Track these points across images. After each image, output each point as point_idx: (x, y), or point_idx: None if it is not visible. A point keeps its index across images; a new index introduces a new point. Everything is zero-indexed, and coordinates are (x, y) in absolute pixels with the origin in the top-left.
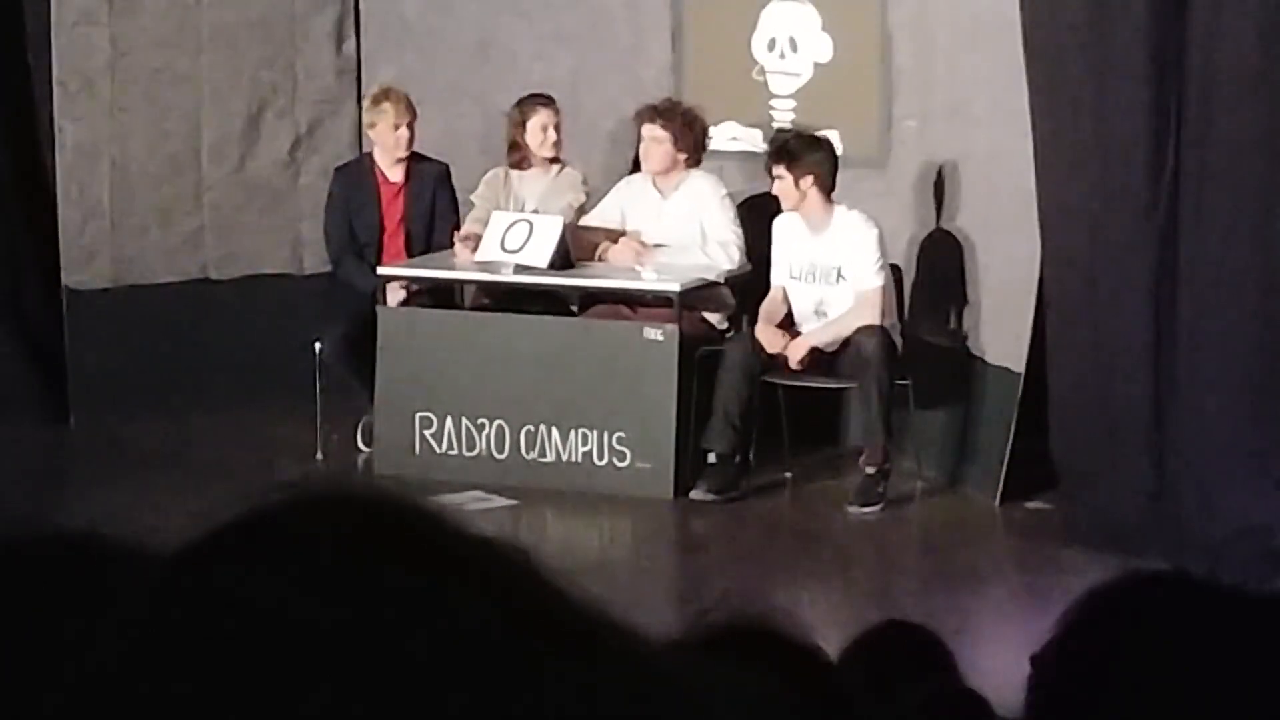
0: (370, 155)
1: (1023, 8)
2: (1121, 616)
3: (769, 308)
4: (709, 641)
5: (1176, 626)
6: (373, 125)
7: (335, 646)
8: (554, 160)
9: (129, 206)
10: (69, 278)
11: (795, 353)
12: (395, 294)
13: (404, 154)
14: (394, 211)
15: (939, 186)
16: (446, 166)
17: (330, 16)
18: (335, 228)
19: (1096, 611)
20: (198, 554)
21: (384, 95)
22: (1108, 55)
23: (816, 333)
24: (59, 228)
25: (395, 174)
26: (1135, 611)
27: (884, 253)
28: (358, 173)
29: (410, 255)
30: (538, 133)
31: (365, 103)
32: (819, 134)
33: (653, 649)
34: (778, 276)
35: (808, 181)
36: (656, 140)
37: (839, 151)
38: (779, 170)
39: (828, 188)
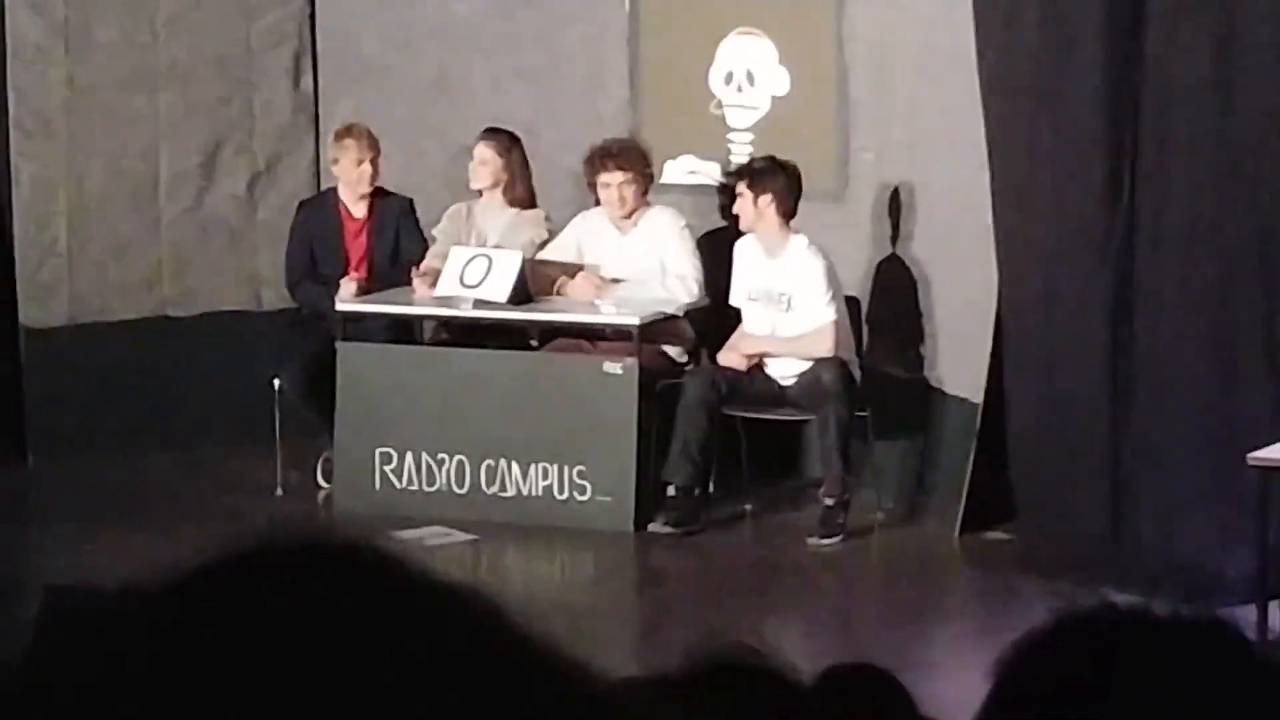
0: (334, 190)
1: (979, 40)
2: (1055, 657)
3: (736, 338)
4: (690, 675)
5: (1114, 660)
6: (336, 161)
7: (301, 693)
8: (513, 197)
9: (86, 244)
10: (26, 315)
11: (744, 346)
12: (349, 288)
13: (367, 189)
14: (358, 246)
15: (896, 218)
16: (410, 201)
17: (287, 53)
18: (296, 258)
19: (1032, 654)
20: (166, 603)
21: (347, 131)
22: (1063, 87)
23: (771, 342)
24: (15, 266)
25: (359, 209)
26: (1072, 650)
27: (836, 285)
28: (321, 207)
29: (374, 289)
30: (484, 167)
31: (329, 138)
32: (786, 161)
33: (616, 689)
34: (735, 298)
35: (766, 200)
36: (620, 185)
37: (801, 178)
38: (741, 188)
39: (787, 212)
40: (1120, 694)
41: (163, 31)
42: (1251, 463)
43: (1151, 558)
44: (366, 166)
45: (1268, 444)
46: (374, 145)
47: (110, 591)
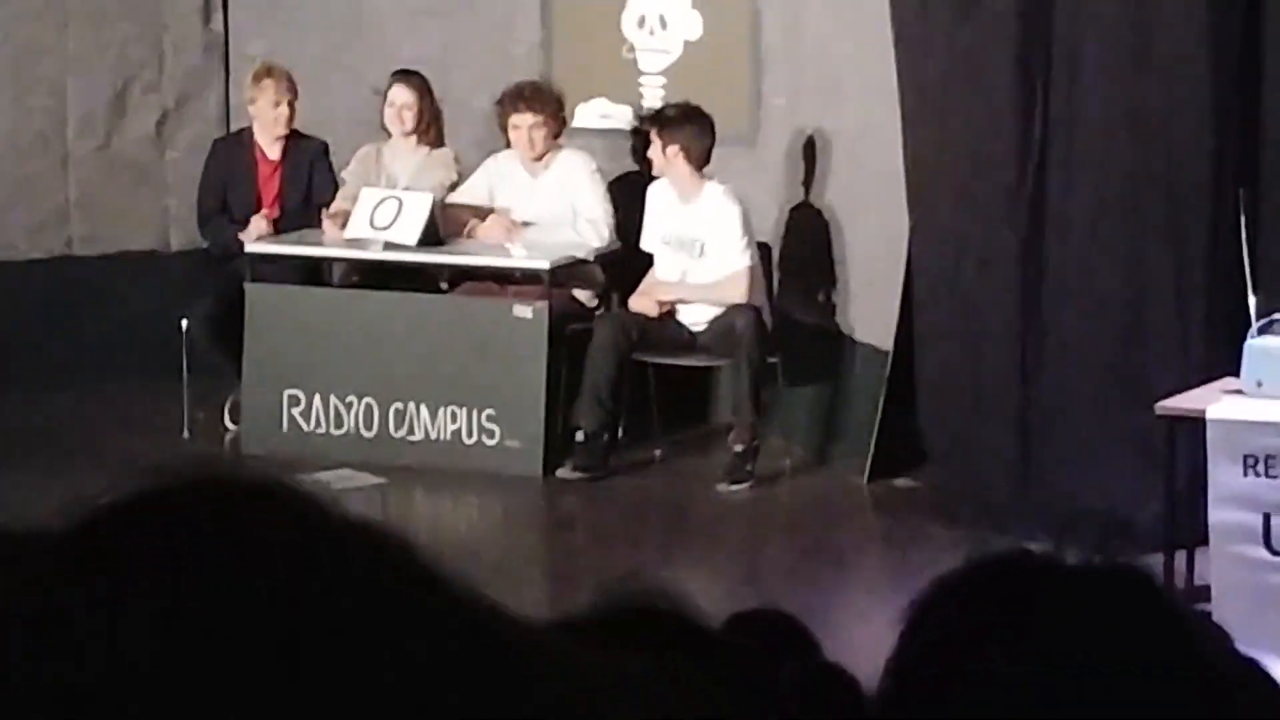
0: (249, 130)
1: None
2: (966, 603)
3: (647, 281)
4: (600, 618)
5: (1021, 608)
6: (253, 101)
7: (211, 632)
8: (422, 141)
9: None
10: None
11: (657, 293)
12: (258, 225)
13: (283, 131)
14: (270, 188)
15: (808, 164)
16: (325, 144)
17: None
18: (208, 197)
19: (942, 600)
20: (75, 541)
21: (265, 72)
22: (976, 31)
23: (682, 288)
24: None
25: (274, 151)
26: (979, 594)
27: (750, 232)
28: (236, 147)
29: (286, 232)
30: (388, 109)
31: (247, 78)
32: (698, 109)
33: (524, 628)
34: (647, 242)
35: (674, 150)
36: (531, 128)
37: (714, 124)
38: (653, 135)
39: (698, 161)
40: (1031, 639)
41: None
42: (1159, 412)
43: (1059, 505)
44: (284, 109)
45: (1175, 393)
46: (292, 88)
47: (12, 531)
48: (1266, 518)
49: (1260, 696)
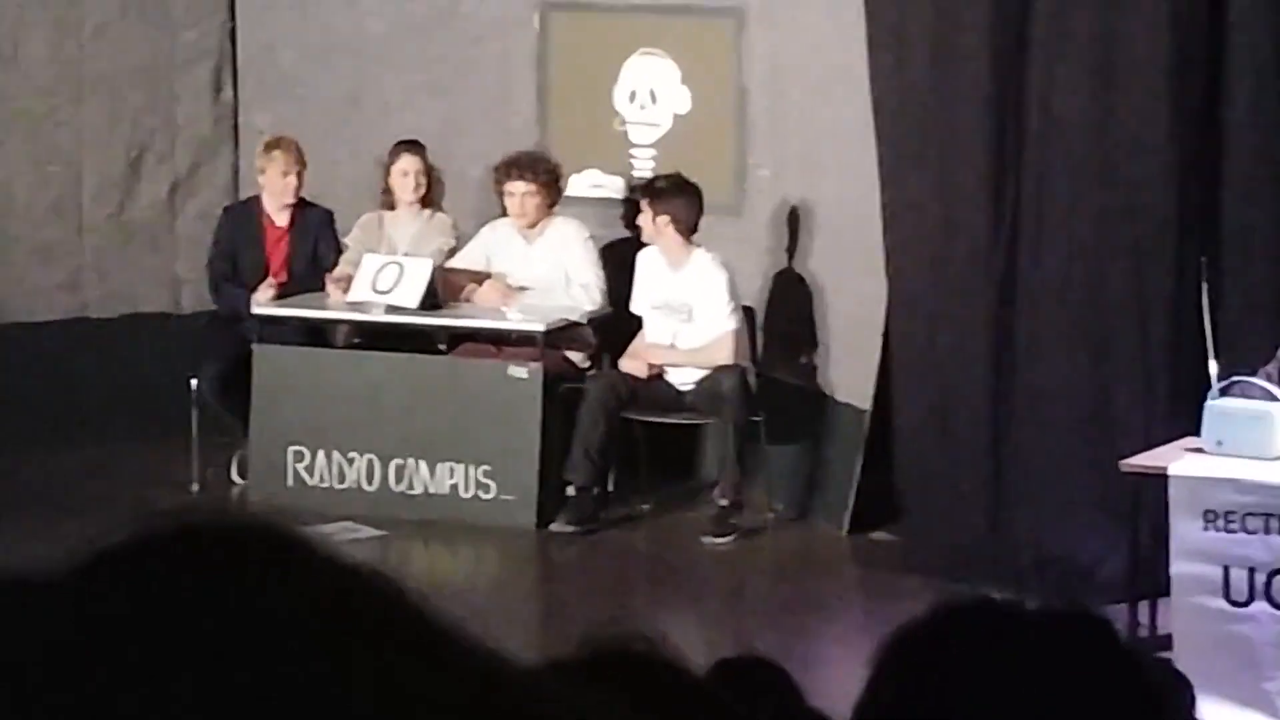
0: (258, 198)
1: (871, 65)
2: (930, 645)
3: (637, 344)
4: (588, 663)
5: (983, 650)
6: (263, 171)
7: (211, 668)
8: (423, 204)
9: (10, 247)
10: None
11: (647, 355)
12: (265, 292)
13: (291, 200)
14: (278, 253)
15: (791, 233)
16: (330, 213)
17: (208, 66)
18: (219, 260)
19: (906, 645)
20: (82, 578)
21: (275, 144)
22: (950, 108)
23: (672, 353)
24: None
25: (281, 218)
26: (942, 639)
27: (736, 296)
28: (245, 214)
29: (292, 295)
30: (399, 177)
31: (258, 149)
32: (688, 181)
33: (516, 670)
34: (637, 306)
35: (664, 220)
36: (525, 195)
37: (702, 194)
38: (643, 204)
39: (686, 230)
40: (992, 679)
41: (88, 43)
42: (1124, 469)
43: (1027, 558)
44: (292, 179)
45: (1140, 451)
46: (300, 159)
47: (19, 576)
48: (1226, 570)
49: None
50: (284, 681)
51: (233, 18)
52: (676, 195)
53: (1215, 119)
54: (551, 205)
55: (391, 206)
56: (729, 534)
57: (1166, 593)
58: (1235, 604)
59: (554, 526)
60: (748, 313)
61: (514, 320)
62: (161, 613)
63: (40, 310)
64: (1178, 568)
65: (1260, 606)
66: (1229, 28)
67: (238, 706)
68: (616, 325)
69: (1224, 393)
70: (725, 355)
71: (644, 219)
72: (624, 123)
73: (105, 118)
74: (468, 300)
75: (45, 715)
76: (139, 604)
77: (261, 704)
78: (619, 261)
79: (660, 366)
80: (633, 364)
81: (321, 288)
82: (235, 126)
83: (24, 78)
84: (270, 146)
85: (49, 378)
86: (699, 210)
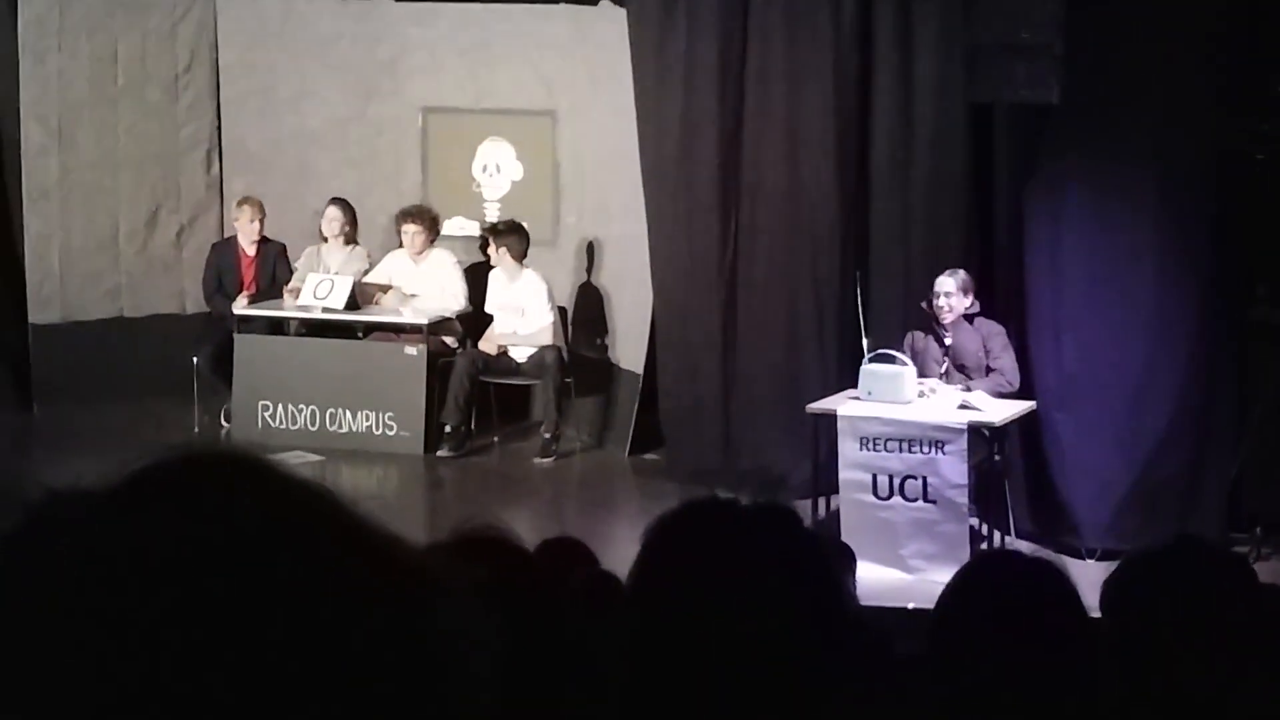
0: (235, 238)
1: (640, 143)
2: (679, 529)
3: (489, 332)
4: (458, 543)
5: (713, 531)
6: (237, 219)
7: (219, 546)
8: (346, 241)
9: (72, 271)
10: (33, 316)
11: (496, 340)
12: (242, 300)
13: (257, 238)
14: (249, 274)
15: (589, 257)
16: (284, 246)
17: (202, 149)
18: (210, 281)
19: (663, 529)
20: (125, 490)
21: (245, 201)
22: (692, 171)
23: (514, 337)
24: (26, 285)
25: (251, 250)
26: (688, 525)
27: (553, 300)
28: (227, 248)
29: (259, 302)
30: (330, 222)
31: (232, 205)
32: (518, 223)
33: (413, 548)
34: (489, 307)
35: (504, 250)
36: (415, 233)
37: (529, 233)
38: (491, 240)
39: (518, 256)
40: (720, 552)
41: (123, 136)
42: (809, 410)
43: (745, 468)
44: (256, 224)
45: (819, 398)
46: (262, 211)
47: (71, 491)
48: (874, 476)
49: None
50: (265, 551)
51: (219, 118)
52: (511, 234)
53: (865, 172)
54: (433, 240)
55: (325, 241)
56: (551, 456)
57: (836, 491)
58: (880, 499)
59: (437, 452)
60: (562, 311)
61: (407, 316)
62: (182, 512)
63: (91, 312)
64: (843, 475)
65: (896, 500)
66: (873, 104)
67: (238, 568)
68: (475, 319)
69: (872, 360)
70: (547, 338)
71: (491, 250)
72: (479, 186)
73: (133, 185)
74: (377, 304)
75: (101, 595)
76: (166, 507)
77: (253, 568)
78: (477, 278)
79: (505, 346)
80: (486, 345)
81: (280, 296)
82: (220, 191)
83: (80, 158)
84: (242, 203)
85: (98, 358)
86: (527, 243)
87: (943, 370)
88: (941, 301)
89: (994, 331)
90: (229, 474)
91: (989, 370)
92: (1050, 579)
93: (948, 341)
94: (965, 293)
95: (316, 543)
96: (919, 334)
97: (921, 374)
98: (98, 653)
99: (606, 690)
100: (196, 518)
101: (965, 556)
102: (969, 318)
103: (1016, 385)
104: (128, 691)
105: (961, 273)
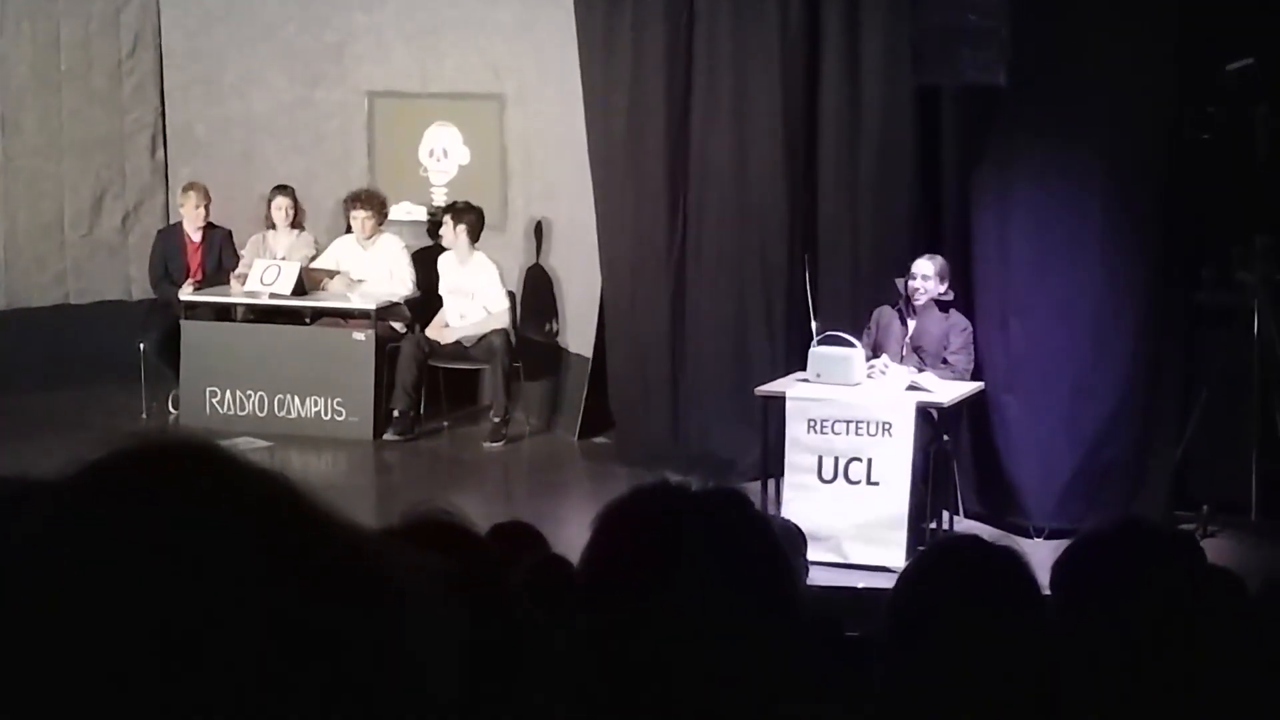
0: (180, 224)
1: (587, 127)
2: (629, 512)
3: (439, 318)
4: (409, 529)
5: (663, 515)
6: (183, 205)
7: (175, 531)
8: (293, 226)
9: (16, 258)
10: None
11: (446, 337)
12: (188, 287)
13: (202, 224)
14: (195, 260)
15: (538, 240)
16: (230, 232)
17: (147, 135)
18: (156, 267)
19: (617, 509)
20: (82, 479)
21: (190, 187)
22: (640, 154)
23: (462, 329)
24: None
25: (196, 236)
26: (637, 509)
27: (503, 284)
28: (173, 234)
29: (206, 288)
30: (276, 209)
31: (178, 191)
32: (476, 205)
33: (365, 532)
34: (442, 290)
35: (462, 228)
36: (364, 218)
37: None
38: (446, 219)
39: (474, 235)
40: (669, 535)
41: (67, 121)
42: (758, 393)
43: (694, 452)
44: (202, 210)
45: (768, 381)
46: (207, 197)
47: (23, 480)
48: (820, 458)
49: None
50: (220, 537)
51: (163, 103)
52: (470, 213)
53: (812, 156)
54: (380, 225)
55: (272, 227)
56: (500, 440)
57: (783, 473)
58: (824, 481)
59: (385, 437)
60: (511, 295)
61: (355, 301)
62: (138, 500)
63: (36, 299)
64: (789, 457)
65: (840, 482)
66: (821, 88)
67: (201, 559)
68: (424, 305)
69: (821, 343)
70: (498, 322)
71: (446, 229)
72: (426, 171)
73: (78, 171)
74: (324, 289)
75: (58, 581)
76: (122, 496)
77: (217, 558)
78: (425, 262)
79: (460, 338)
80: (435, 330)
81: (226, 282)
82: (166, 177)
83: (23, 144)
84: (187, 189)
85: (44, 345)
86: (482, 224)
87: (902, 351)
88: (918, 283)
89: (959, 326)
90: (189, 464)
91: (945, 361)
92: (1013, 566)
93: (911, 323)
94: (941, 279)
95: (280, 532)
96: (887, 309)
97: (881, 350)
98: (59, 644)
99: (561, 677)
100: (158, 508)
101: (902, 540)
102: (943, 306)
103: (967, 381)
104: (90, 686)
105: (940, 258)
